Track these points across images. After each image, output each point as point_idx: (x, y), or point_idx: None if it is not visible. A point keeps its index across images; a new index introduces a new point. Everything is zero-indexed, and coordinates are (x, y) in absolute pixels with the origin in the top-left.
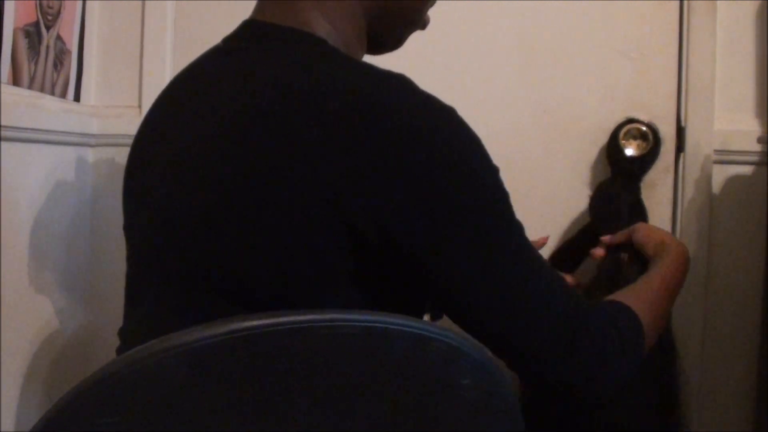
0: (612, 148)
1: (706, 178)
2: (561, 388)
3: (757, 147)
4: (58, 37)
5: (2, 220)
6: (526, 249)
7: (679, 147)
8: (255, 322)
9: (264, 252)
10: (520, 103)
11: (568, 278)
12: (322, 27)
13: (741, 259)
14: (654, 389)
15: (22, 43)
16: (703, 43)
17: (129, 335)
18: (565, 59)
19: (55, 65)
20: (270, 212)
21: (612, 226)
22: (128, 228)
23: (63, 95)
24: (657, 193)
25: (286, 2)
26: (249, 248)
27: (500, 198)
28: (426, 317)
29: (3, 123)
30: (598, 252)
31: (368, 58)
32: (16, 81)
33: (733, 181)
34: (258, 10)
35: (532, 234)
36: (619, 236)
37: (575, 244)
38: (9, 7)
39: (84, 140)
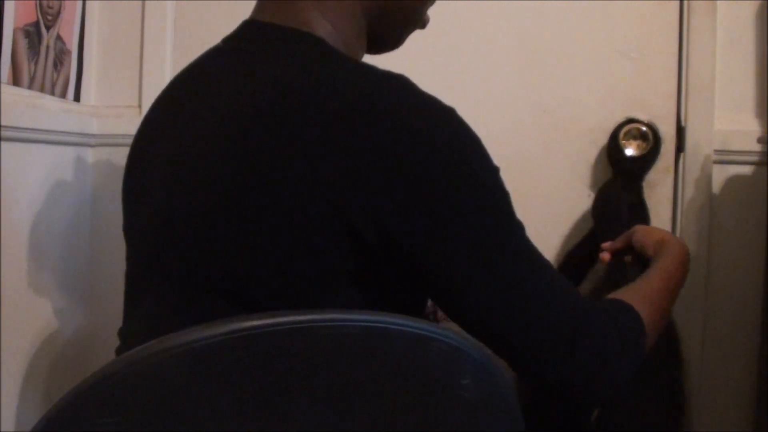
0: (612, 148)
1: (706, 178)
2: (561, 387)
3: (757, 147)
4: (58, 37)
5: (2, 220)
6: (527, 248)
7: (679, 147)
8: (255, 322)
9: (264, 252)
10: (519, 103)
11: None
12: (322, 27)
13: (741, 259)
14: (660, 393)
15: (22, 43)
16: (703, 43)
17: (129, 335)
18: (565, 59)
19: (55, 65)
20: (270, 212)
21: (613, 228)
22: (128, 228)
23: (63, 95)
24: (657, 193)
25: (286, 2)
26: (249, 248)
27: (500, 198)
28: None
29: (3, 123)
30: (605, 256)
31: (368, 58)
32: (16, 81)
33: (733, 181)
34: (258, 10)
35: (532, 234)
36: (619, 241)
37: (582, 251)
38: (9, 7)
39: (84, 140)
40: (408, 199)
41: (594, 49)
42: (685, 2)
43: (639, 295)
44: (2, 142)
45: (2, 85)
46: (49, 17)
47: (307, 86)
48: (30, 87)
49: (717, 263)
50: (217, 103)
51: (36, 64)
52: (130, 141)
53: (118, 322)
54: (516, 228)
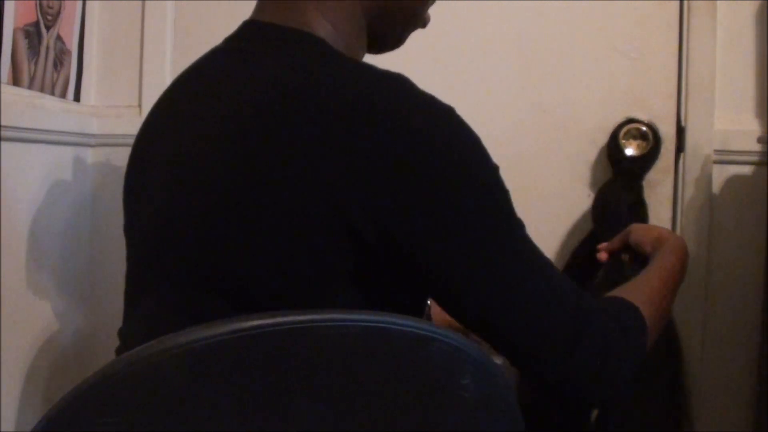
0: (612, 148)
1: (706, 178)
2: (562, 386)
3: (757, 147)
4: (58, 37)
5: (2, 220)
6: (527, 247)
7: (679, 147)
8: (255, 322)
9: (264, 252)
10: (519, 103)
11: None
12: (322, 27)
13: (741, 259)
14: (660, 393)
15: (22, 43)
16: (703, 43)
17: (128, 335)
18: (564, 59)
19: (55, 65)
20: (270, 212)
21: (613, 227)
22: (128, 228)
23: (63, 95)
24: (657, 193)
25: (286, 2)
26: (249, 248)
27: (500, 197)
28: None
29: (3, 123)
30: (602, 255)
31: (368, 58)
32: (16, 81)
33: (733, 181)
34: (258, 10)
35: (532, 234)
36: (616, 241)
37: (584, 251)
38: (9, 7)
39: (84, 140)
40: (408, 199)
41: (594, 49)
42: (685, 2)
43: (639, 292)
44: (2, 142)
45: (2, 85)
46: (49, 17)
47: (306, 86)
48: (30, 87)
49: (717, 263)
50: (218, 104)
51: (36, 64)
52: (130, 141)
53: (118, 322)
54: (516, 227)
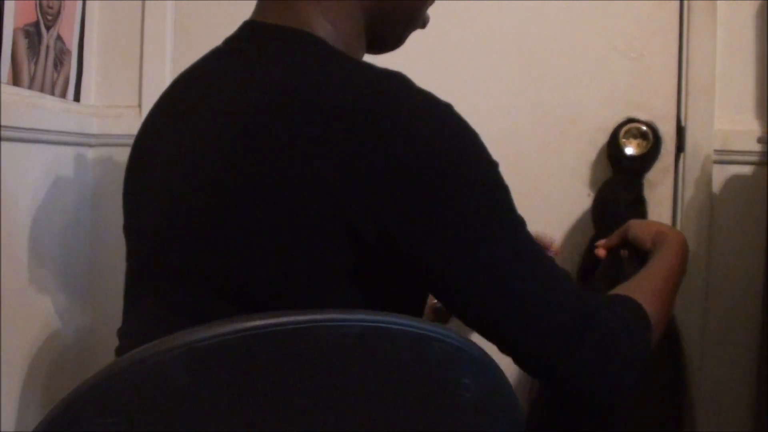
0: (612, 147)
1: (706, 178)
2: (567, 385)
3: (757, 147)
4: (58, 37)
5: (2, 220)
6: (529, 244)
7: (679, 147)
8: (256, 322)
9: (264, 252)
10: (519, 103)
11: None
12: (322, 27)
13: (741, 259)
14: (660, 393)
15: (22, 43)
16: (703, 43)
17: (128, 335)
18: (564, 59)
19: (55, 65)
20: (270, 212)
21: (613, 227)
22: (128, 228)
23: (63, 95)
24: (657, 193)
25: (286, 2)
26: (249, 248)
27: (500, 194)
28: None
29: (3, 123)
30: (600, 252)
31: (368, 58)
32: (16, 81)
33: (733, 181)
34: (258, 10)
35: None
36: (614, 237)
37: (584, 252)
38: (9, 7)
39: (84, 140)
40: (408, 199)
41: (594, 49)
42: (685, 2)
43: (642, 289)
44: (2, 142)
45: (2, 85)
46: (49, 17)
47: (306, 86)
48: (30, 87)
49: (717, 263)
50: (217, 104)
51: (36, 64)
52: (130, 141)
53: (118, 322)
54: (517, 224)
